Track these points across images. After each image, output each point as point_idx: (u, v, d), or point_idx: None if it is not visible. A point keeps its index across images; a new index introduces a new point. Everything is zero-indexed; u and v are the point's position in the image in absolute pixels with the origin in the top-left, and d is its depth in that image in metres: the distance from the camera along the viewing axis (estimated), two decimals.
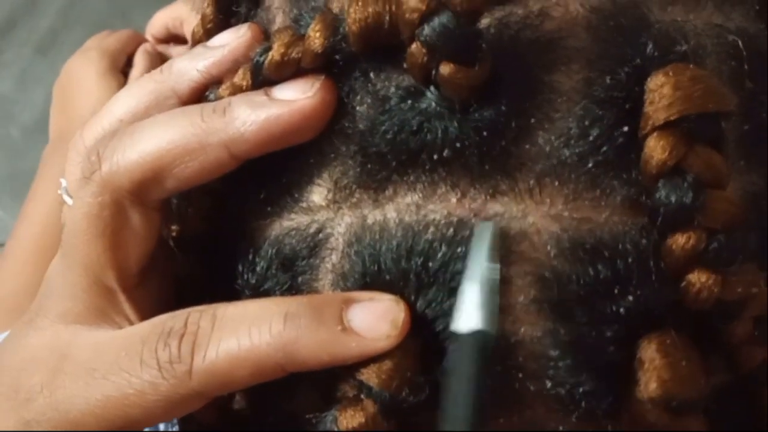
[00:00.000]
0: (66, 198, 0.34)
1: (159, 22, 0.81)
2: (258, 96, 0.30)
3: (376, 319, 0.27)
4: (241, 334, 0.28)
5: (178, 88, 0.33)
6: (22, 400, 0.31)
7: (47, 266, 0.34)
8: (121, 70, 0.77)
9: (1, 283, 0.68)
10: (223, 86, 0.31)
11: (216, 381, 0.28)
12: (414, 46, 0.27)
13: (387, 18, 0.27)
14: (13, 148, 1.00)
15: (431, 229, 0.27)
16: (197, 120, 0.30)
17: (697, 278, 0.26)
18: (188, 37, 0.79)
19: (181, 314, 0.30)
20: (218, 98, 0.31)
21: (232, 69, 0.31)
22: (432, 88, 0.27)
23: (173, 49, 0.81)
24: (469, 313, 0.26)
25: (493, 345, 0.26)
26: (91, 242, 0.31)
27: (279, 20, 0.32)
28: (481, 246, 0.27)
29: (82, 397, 0.30)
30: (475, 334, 0.26)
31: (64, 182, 0.35)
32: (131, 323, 0.32)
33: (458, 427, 0.25)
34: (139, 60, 0.78)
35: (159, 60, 0.80)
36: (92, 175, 0.31)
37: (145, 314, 0.32)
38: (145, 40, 0.81)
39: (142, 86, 0.34)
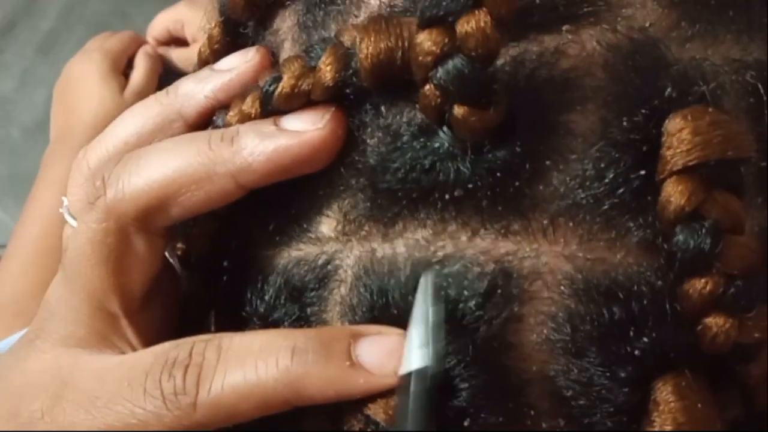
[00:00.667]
0: (68, 218, 0.34)
1: (160, 24, 0.81)
2: (267, 126, 0.29)
3: (384, 355, 0.27)
4: (248, 368, 0.28)
5: (185, 111, 0.32)
6: (22, 426, 0.31)
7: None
8: (122, 71, 0.77)
9: (2, 285, 0.68)
10: (231, 112, 0.31)
11: (221, 414, 0.28)
12: (427, 87, 0.26)
13: (399, 54, 0.27)
14: (14, 149, 1.00)
15: (440, 265, 0.27)
16: (205, 148, 0.29)
17: (714, 322, 0.25)
18: (189, 39, 0.80)
19: (185, 343, 0.29)
20: (226, 124, 0.31)
21: (240, 94, 0.31)
22: (445, 127, 0.27)
23: (174, 51, 0.81)
24: (415, 353, 0.26)
25: (437, 383, 0.26)
26: (94, 268, 0.31)
27: (287, 46, 0.32)
28: (425, 291, 0.26)
29: (83, 425, 0.30)
30: (422, 371, 0.26)
31: (65, 200, 0.34)
32: (133, 348, 0.32)
33: None
34: (140, 62, 0.78)
35: (160, 62, 0.80)
36: (96, 201, 0.30)
37: (147, 339, 0.32)
38: (146, 42, 0.82)
39: (148, 108, 0.33)
